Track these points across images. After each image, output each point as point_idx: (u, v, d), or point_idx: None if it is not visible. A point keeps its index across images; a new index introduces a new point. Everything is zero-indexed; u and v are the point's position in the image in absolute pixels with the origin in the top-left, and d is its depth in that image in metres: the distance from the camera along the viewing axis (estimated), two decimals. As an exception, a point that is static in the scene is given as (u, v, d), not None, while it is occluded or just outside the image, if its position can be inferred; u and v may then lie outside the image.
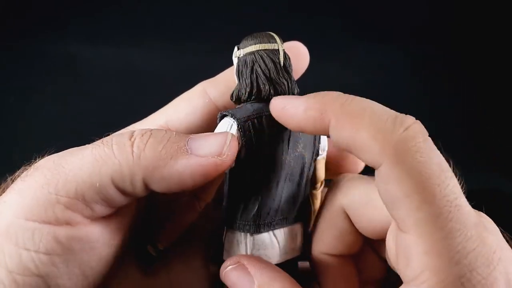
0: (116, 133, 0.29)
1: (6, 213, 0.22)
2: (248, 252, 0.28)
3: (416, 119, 0.23)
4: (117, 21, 0.77)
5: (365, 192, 0.26)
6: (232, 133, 0.25)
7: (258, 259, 0.26)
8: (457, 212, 0.20)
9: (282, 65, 0.27)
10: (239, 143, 0.25)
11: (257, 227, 0.28)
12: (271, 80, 0.26)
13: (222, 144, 0.23)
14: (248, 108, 0.26)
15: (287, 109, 0.24)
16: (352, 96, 0.23)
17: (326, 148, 0.29)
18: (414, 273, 0.20)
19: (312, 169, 0.28)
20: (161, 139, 0.23)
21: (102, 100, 0.69)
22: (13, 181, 0.25)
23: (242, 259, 0.25)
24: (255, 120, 0.26)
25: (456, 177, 0.22)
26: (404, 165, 0.20)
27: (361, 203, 0.26)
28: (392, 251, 0.23)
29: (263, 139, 0.26)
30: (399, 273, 0.22)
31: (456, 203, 0.20)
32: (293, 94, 0.27)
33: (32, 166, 0.24)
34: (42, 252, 0.22)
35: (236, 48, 0.28)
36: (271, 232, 0.28)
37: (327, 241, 0.28)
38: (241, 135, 0.25)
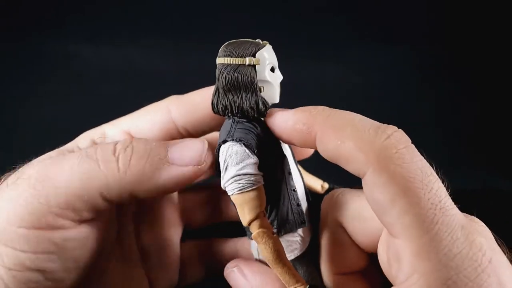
0: (86, 133, 0.31)
1: (0, 218, 0.23)
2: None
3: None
4: (117, 21, 0.77)
5: (357, 205, 0.26)
6: (206, 141, 0.26)
7: (253, 263, 0.28)
8: (442, 215, 0.20)
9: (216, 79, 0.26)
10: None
11: None
12: None
13: (200, 153, 0.25)
14: None
15: (277, 122, 0.25)
16: (336, 110, 0.24)
17: (230, 189, 0.25)
18: (405, 276, 0.20)
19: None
20: (143, 153, 0.24)
21: (101, 100, 0.69)
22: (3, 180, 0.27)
23: (239, 262, 0.28)
24: None
25: (441, 180, 0.22)
26: (387, 171, 0.21)
27: (354, 216, 0.27)
28: (384, 260, 0.23)
29: None
30: (391, 281, 0.23)
31: (441, 205, 0.20)
32: (216, 110, 0.27)
33: (17, 172, 0.25)
34: (39, 252, 0.23)
35: None
36: None
37: (334, 259, 0.28)
38: None
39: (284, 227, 0.27)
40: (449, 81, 0.75)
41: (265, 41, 0.27)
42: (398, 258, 0.21)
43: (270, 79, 0.26)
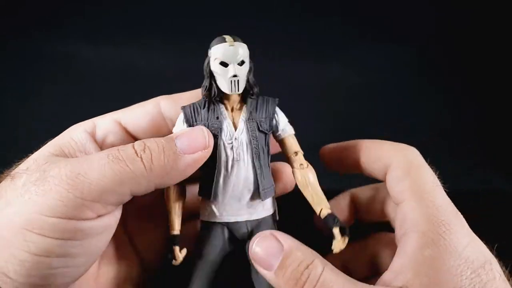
0: (77, 125, 0.33)
1: (29, 209, 0.26)
2: None
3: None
4: (117, 21, 0.77)
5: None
6: (204, 127, 0.30)
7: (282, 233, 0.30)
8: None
9: None
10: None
11: None
12: None
13: (203, 139, 0.30)
14: None
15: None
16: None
17: None
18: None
19: None
20: (159, 150, 0.28)
21: (101, 100, 0.69)
22: (10, 176, 0.28)
23: (273, 232, 0.30)
24: None
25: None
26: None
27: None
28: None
29: None
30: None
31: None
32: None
33: (36, 170, 0.27)
34: (67, 239, 0.26)
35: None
36: None
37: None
38: None
39: (201, 191, 0.32)
40: (449, 81, 0.75)
41: (231, 39, 0.31)
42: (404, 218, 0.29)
43: (218, 71, 0.31)
